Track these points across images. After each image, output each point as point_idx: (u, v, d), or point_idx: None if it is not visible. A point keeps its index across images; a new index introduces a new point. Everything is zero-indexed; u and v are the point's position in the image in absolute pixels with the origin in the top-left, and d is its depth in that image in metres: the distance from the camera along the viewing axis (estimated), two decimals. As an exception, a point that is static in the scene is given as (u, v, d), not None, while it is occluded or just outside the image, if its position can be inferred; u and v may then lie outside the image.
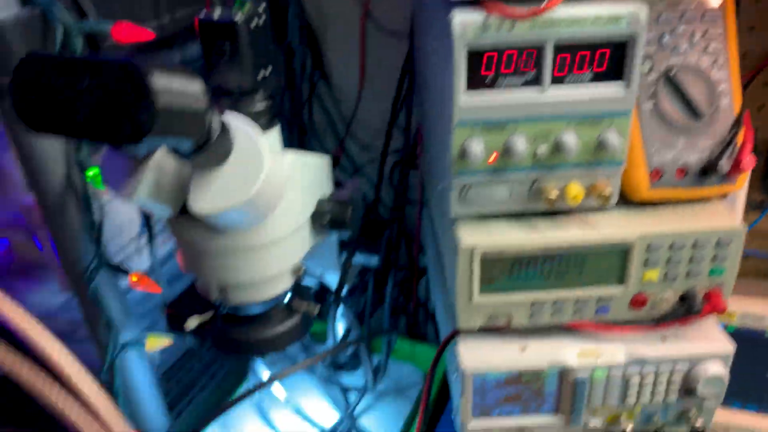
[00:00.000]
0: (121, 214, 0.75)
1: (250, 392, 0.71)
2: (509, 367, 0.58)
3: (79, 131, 0.38)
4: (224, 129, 0.46)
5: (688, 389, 0.58)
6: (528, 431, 0.62)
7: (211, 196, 0.48)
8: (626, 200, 0.57)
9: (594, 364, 0.57)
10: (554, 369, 0.58)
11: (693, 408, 0.60)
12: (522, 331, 0.59)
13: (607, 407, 0.60)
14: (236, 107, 0.52)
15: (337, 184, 0.68)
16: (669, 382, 0.58)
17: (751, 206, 0.78)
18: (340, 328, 0.84)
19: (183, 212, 0.55)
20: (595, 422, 0.61)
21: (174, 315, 0.64)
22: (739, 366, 0.69)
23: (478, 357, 0.58)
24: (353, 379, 0.88)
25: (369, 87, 0.94)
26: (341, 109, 1.00)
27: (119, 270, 0.66)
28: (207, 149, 0.44)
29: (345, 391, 0.85)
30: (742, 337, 0.69)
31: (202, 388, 0.89)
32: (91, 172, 0.59)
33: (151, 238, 0.69)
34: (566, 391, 0.59)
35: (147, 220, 0.67)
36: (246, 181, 0.48)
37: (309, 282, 0.72)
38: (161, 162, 0.51)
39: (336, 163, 0.95)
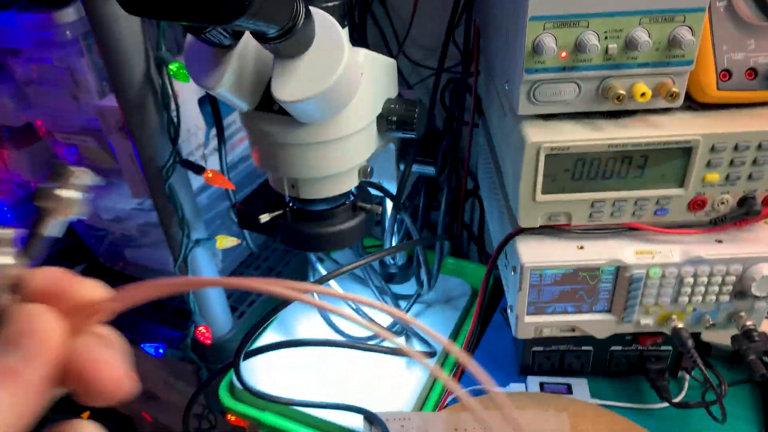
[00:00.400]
0: (189, 119, 0.78)
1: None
2: (567, 263, 0.60)
3: (177, 11, 0.40)
4: (309, 15, 0.48)
5: (740, 291, 0.60)
6: (579, 329, 0.65)
7: (294, 85, 0.50)
8: (693, 103, 0.57)
9: (650, 263, 0.59)
10: (611, 266, 0.60)
11: (743, 310, 0.62)
12: (580, 232, 0.61)
13: (660, 306, 0.62)
14: (312, 1, 0.54)
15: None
16: (722, 283, 0.60)
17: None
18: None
19: (260, 107, 0.57)
20: (647, 321, 0.63)
21: (245, 212, 0.68)
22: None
23: (537, 253, 0.61)
24: (404, 288, 0.92)
25: (423, 4, 0.95)
26: (395, 28, 1.01)
27: (194, 167, 0.69)
28: (292, 35, 0.46)
29: (397, 299, 0.89)
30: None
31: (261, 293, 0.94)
32: (174, 66, 0.62)
33: (221, 140, 0.72)
34: (621, 289, 0.61)
35: (218, 123, 0.70)
36: (327, 70, 0.50)
37: (372, 191, 0.75)
38: (244, 53, 0.53)
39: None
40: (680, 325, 0.62)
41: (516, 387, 0.76)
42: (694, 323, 0.63)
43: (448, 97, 1.01)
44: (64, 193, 0.21)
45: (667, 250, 0.60)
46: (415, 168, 0.76)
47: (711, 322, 0.63)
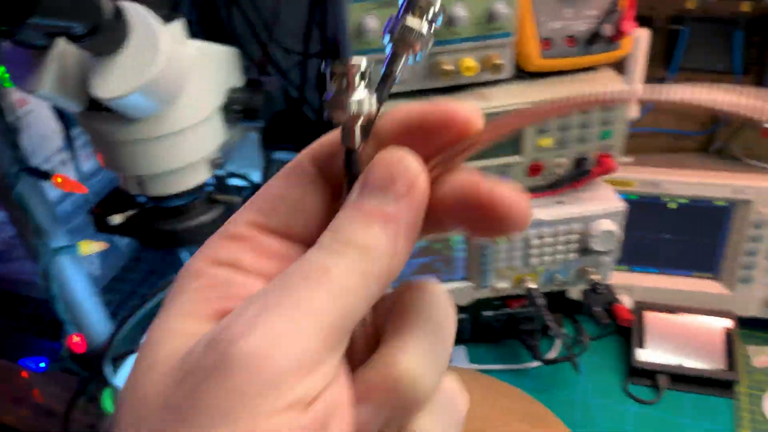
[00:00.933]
0: (42, 124, 0.75)
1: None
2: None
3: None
4: (118, 13, 0.47)
5: (584, 248, 0.64)
6: (443, 298, 0.67)
7: (112, 81, 0.49)
8: (522, 73, 0.60)
9: (497, 229, 0.62)
10: (459, 236, 0.63)
11: (590, 266, 0.66)
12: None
13: (513, 269, 0.65)
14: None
15: (256, 83, 0.69)
16: (567, 242, 0.63)
17: (653, 83, 0.82)
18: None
19: (92, 107, 0.56)
20: (503, 284, 0.66)
21: (100, 214, 0.66)
22: (638, 231, 0.75)
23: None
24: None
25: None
26: (264, 16, 1.00)
27: (39, 173, 0.67)
28: (101, 32, 0.45)
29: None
30: (643, 204, 0.74)
31: (143, 297, 0.92)
32: (0, 71, 0.59)
33: (71, 146, 0.69)
34: (473, 256, 0.64)
35: (66, 125, 0.68)
36: (145, 65, 0.49)
37: (236, 181, 0.75)
38: (64, 53, 0.51)
39: (262, 71, 0.96)
40: (533, 286, 0.65)
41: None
42: (546, 282, 0.67)
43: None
44: (416, 24, 0.19)
45: (512, 215, 0.63)
46: (280, 155, 0.76)
47: (562, 280, 0.66)
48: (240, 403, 0.14)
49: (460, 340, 0.79)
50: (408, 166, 0.18)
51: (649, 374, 0.74)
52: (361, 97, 0.18)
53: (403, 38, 0.19)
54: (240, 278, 0.18)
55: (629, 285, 0.78)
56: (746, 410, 0.70)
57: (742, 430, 0.68)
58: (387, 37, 0.19)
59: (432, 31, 0.19)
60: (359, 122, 0.18)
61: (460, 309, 0.77)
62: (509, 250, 0.63)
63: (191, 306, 0.18)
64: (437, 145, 0.19)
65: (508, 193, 0.18)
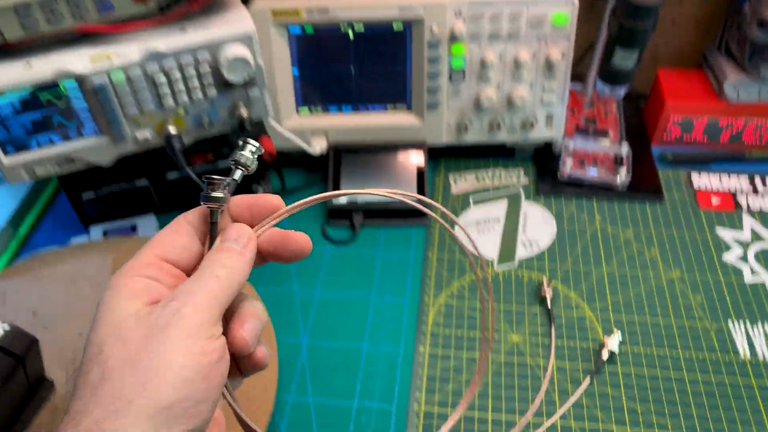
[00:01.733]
0: None
1: None
2: (15, 85, 0.52)
3: None
4: None
5: (223, 82, 0.57)
6: (79, 159, 0.58)
7: None
8: None
9: (108, 67, 0.53)
10: (69, 81, 0.53)
11: (240, 101, 0.60)
12: (32, 48, 0.53)
13: (149, 114, 0.57)
14: None
15: None
16: (199, 75, 0.56)
17: None
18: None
19: None
20: (144, 134, 0.58)
21: None
22: (324, 66, 0.69)
23: (-28, 81, 0.52)
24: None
25: None
26: None
27: None
28: None
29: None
30: (321, 37, 0.68)
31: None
32: None
33: None
34: (95, 105, 0.55)
35: None
36: None
37: None
38: None
39: None
40: (173, 132, 0.58)
41: (78, 240, 0.70)
42: (197, 126, 0.60)
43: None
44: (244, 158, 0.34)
45: (125, 50, 0.54)
46: None
47: (211, 121, 0.60)
48: (185, 333, 0.29)
49: (148, 208, 0.72)
50: (247, 231, 0.33)
51: (346, 214, 0.72)
52: (221, 195, 0.32)
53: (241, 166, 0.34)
54: (156, 285, 0.31)
55: (324, 127, 0.73)
56: (437, 234, 0.70)
57: (431, 253, 0.68)
58: (232, 164, 0.34)
59: (224, 194, 0.33)
60: (219, 209, 0.33)
61: (141, 172, 0.69)
62: (134, 92, 0.55)
63: (134, 294, 0.30)
64: (259, 216, 0.35)
65: (294, 234, 0.35)
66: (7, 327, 0.46)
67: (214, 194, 0.32)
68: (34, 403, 0.50)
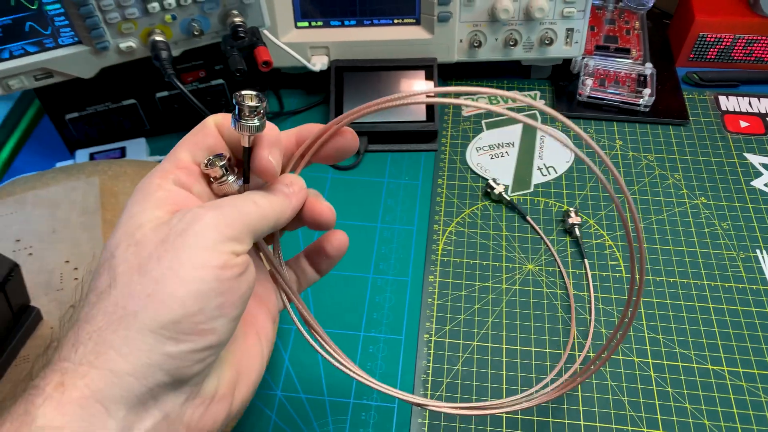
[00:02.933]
0: None
1: None
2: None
3: None
4: None
5: (215, -17, 0.51)
6: (58, 72, 0.53)
7: None
8: None
9: (84, -36, 0.48)
10: (40, -21, 0.48)
11: (235, 8, 0.54)
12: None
13: (133, 23, 0.52)
14: None
15: None
16: (187, -24, 0.50)
17: None
18: None
19: None
20: (129, 44, 0.53)
21: None
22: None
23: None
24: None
25: None
26: None
27: None
28: None
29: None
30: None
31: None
32: None
33: None
34: (71, 8, 0.50)
35: None
36: None
37: None
38: None
39: None
40: (159, 38, 0.53)
41: (63, 164, 0.65)
42: (186, 35, 0.54)
43: None
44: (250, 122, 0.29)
45: (102, -56, 0.48)
46: None
47: (201, 29, 0.54)
48: (204, 243, 0.26)
49: (138, 132, 0.67)
50: (301, 182, 0.32)
51: (349, 138, 0.67)
52: (258, 123, 0.29)
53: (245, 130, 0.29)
54: (185, 195, 0.29)
55: (325, 42, 0.68)
56: (447, 159, 0.66)
57: (441, 180, 0.64)
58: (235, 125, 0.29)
59: (259, 121, 0.29)
60: (252, 135, 0.29)
61: (128, 93, 0.64)
62: (113, -7, 0.49)
63: (160, 200, 0.28)
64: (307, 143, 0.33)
65: (324, 206, 0.34)
66: (-15, 251, 0.43)
67: (250, 123, 0.29)
68: (21, 333, 0.47)
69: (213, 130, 0.31)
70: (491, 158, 0.65)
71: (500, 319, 0.53)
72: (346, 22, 0.68)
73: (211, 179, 0.31)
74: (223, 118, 0.31)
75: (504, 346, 0.51)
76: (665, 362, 0.50)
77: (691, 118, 0.68)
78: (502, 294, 0.55)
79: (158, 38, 0.52)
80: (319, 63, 0.67)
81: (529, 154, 0.65)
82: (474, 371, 0.50)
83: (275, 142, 0.30)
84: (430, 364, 0.50)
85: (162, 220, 0.27)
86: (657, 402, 0.48)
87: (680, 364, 0.50)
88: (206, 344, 0.26)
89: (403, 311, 0.54)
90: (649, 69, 0.69)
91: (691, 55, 0.73)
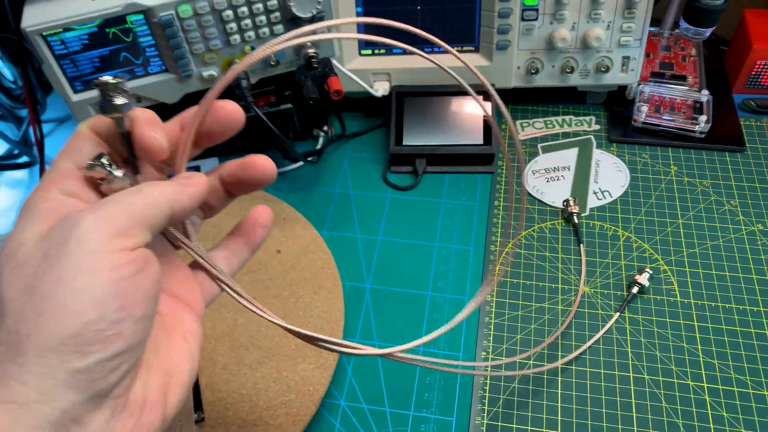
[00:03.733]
0: None
1: None
2: (79, 17, 0.51)
3: None
4: None
5: (291, 17, 0.55)
6: (145, 98, 0.58)
7: None
8: None
9: (175, 0, 0.52)
10: (136, 14, 0.52)
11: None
12: (97, -20, 0.52)
13: (216, 53, 0.56)
14: None
15: None
16: (267, 10, 0.54)
17: None
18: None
19: None
20: (211, 72, 0.57)
21: None
22: (390, 5, 0.66)
23: (40, 14, 0.51)
24: None
25: None
26: None
27: None
28: None
29: None
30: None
31: None
32: None
33: None
34: (162, 41, 0.54)
35: None
36: None
37: None
38: None
39: None
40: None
41: (142, 182, 0.70)
42: (263, 65, 0.58)
43: None
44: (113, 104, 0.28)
45: (192, -18, 0.52)
46: None
47: (275, 60, 0.58)
48: (88, 248, 0.24)
49: (211, 151, 0.72)
50: (200, 175, 0.31)
51: (408, 160, 0.70)
52: (125, 101, 0.28)
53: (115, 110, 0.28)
54: (72, 202, 0.27)
55: (387, 69, 0.71)
56: (503, 182, 0.68)
57: (498, 201, 0.66)
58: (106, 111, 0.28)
59: (125, 98, 0.28)
60: (124, 115, 0.29)
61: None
62: (201, 27, 0.54)
63: (44, 213, 0.26)
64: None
65: (252, 158, 0.33)
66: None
67: (117, 102, 0.28)
68: None
69: (88, 133, 0.29)
70: (547, 181, 0.67)
71: (556, 339, 0.55)
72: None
73: (98, 181, 0.29)
74: (96, 120, 0.30)
75: (559, 365, 0.53)
76: (720, 387, 0.51)
77: (747, 145, 0.69)
78: (558, 315, 0.56)
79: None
80: (381, 88, 0.70)
81: (584, 178, 0.67)
82: (530, 389, 0.52)
83: (153, 120, 0.29)
84: (487, 381, 0.52)
85: (43, 234, 0.25)
86: (712, 426, 0.49)
87: (735, 389, 0.51)
88: (115, 351, 0.24)
89: (461, 329, 0.56)
90: (705, 96, 0.70)
91: (748, 82, 0.74)
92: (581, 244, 0.61)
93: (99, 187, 0.29)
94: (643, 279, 0.56)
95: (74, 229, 0.25)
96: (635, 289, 0.56)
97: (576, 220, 0.62)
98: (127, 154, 0.30)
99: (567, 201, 0.63)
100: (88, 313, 0.24)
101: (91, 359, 0.24)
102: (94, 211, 0.25)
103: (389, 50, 0.71)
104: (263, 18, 0.54)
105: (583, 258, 0.60)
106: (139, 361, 0.27)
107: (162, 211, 0.27)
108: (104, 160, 0.28)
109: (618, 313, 0.56)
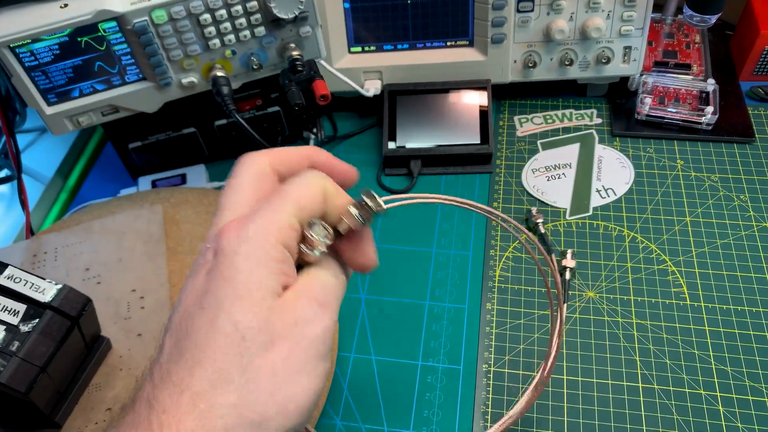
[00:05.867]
0: None
1: None
2: (48, 27, 0.48)
3: None
4: None
5: (273, 18, 0.52)
6: (123, 108, 0.55)
7: None
8: None
9: (149, 5, 0.49)
10: (109, 21, 0.49)
11: (291, 41, 0.55)
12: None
13: (195, 58, 0.53)
14: None
15: None
16: (246, 12, 0.51)
17: None
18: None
19: None
20: (191, 79, 0.54)
21: None
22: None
23: (8, 25, 0.48)
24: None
25: None
26: None
27: None
28: None
29: None
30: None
31: None
32: None
33: None
34: (137, 48, 0.51)
35: None
36: None
37: None
38: None
39: None
40: (221, 74, 0.54)
41: (127, 191, 0.68)
42: (245, 69, 0.56)
43: None
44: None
45: (165, -15, 0.50)
46: None
47: (260, 63, 0.55)
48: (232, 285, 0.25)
49: (197, 158, 0.69)
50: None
51: (403, 161, 0.67)
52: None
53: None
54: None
55: (378, 67, 0.68)
56: (502, 182, 0.65)
57: (497, 203, 0.63)
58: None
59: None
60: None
61: (188, 121, 0.65)
62: (177, 33, 0.51)
63: (274, 270, 0.26)
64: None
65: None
66: (60, 287, 0.44)
67: (379, 209, 0.29)
68: (93, 363, 0.49)
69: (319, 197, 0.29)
70: (548, 180, 0.64)
71: (561, 348, 0.52)
72: (399, 46, 0.68)
73: (305, 246, 0.28)
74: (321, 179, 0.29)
75: (564, 376, 0.50)
76: (734, 395, 0.48)
77: (757, 136, 0.66)
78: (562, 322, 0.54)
79: (219, 73, 0.54)
80: (372, 88, 0.67)
81: (587, 176, 0.64)
82: (535, 403, 0.49)
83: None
84: (490, 396, 0.50)
85: (272, 311, 0.26)
86: (727, 439, 0.46)
87: (750, 398, 0.48)
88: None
89: (461, 340, 0.54)
90: (711, 85, 0.67)
91: (756, 69, 0.71)
92: (551, 254, 0.57)
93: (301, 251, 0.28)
94: (570, 262, 0.56)
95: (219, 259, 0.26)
96: (568, 275, 0.56)
97: (542, 230, 0.59)
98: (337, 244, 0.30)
99: (530, 211, 0.60)
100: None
101: None
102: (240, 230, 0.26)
103: (380, 47, 0.68)
104: (243, 20, 0.52)
105: (556, 272, 0.57)
106: None
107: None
108: (327, 234, 0.29)
109: (565, 304, 0.53)
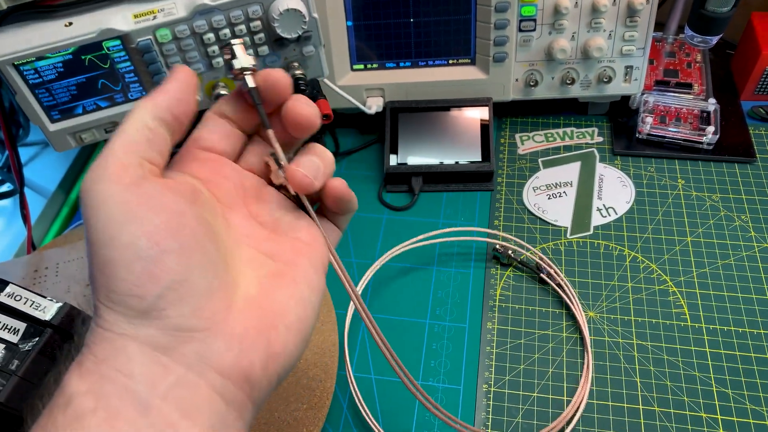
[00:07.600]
0: None
1: None
2: (54, 45, 0.49)
3: None
4: None
5: (277, 38, 0.52)
6: (127, 123, 0.55)
7: None
8: None
9: (153, 24, 0.49)
10: (113, 39, 0.50)
11: (294, 59, 0.55)
12: (68, 8, 0.50)
13: (198, 76, 0.53)
14: None
15: None
16: (250, 32, 0.52)
17: None
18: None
19: None
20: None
21: None
22: (381, 19, 0.64)
23: (13, 43, 0.48)
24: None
25: None
26: None
27: None
28: None
29: None
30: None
31: None
32: None
33: None
34: (140, 66, 0.52)
35: None
36: None
37: None
38: None
39: None
40: (224, 92, 0.54)
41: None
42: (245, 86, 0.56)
43: None
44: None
45: (169, 6, 0.50)
46: None
47: (263, 82, 0.55)
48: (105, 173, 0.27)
49: (199, 174, 0.69)
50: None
51: (404, 178, 0.67)
52: (251, 58, 0.34)
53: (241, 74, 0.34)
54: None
55: (381, 84, 0.68)
56: (503, 200, 0.65)
57: (496, 221, 0.63)
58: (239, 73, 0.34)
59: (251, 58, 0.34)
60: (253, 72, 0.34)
61: (182, 139, 0.65)
62: (182, 51, 0.51)
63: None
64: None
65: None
66: (60, 305, 0.44)
67: (246, 57, 0.33)
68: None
69: (218, 123, 0.36)
70: (548, 198, 0.65)
71: (561, 369, 0.52)
72: (401, 64, 0.68)
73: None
74: (226, 104, 0.36)
75: (565, 397, 0.50)
76: (735, 419, 0.48)
77: (758, 155, 0.66)
78: (563, 343, 0.54)
79: (222, 91, 0.54)
80: (374, 105, 0.67)
81: (587, 194, 0.64)
82: (534, 424, 0.49)
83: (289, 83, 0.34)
84: (490, 416, 0.50)
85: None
86: (728, 463, 0.46)
87: (752, 421, 0.48)
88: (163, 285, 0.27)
89: (461, 359, 0.54)
90: (712, 105, 0.67)
91: (757, 89, 0.71)
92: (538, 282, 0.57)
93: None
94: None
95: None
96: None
97: (518, 260, 0.59)
98: (259, 112, 0.34)
99: (503, 248, 0.59)
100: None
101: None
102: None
103: (382, 64, 0.68)
104: (247, 40, 0.52)
105: (584, 325, 0.57)
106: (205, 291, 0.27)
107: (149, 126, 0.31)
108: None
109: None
